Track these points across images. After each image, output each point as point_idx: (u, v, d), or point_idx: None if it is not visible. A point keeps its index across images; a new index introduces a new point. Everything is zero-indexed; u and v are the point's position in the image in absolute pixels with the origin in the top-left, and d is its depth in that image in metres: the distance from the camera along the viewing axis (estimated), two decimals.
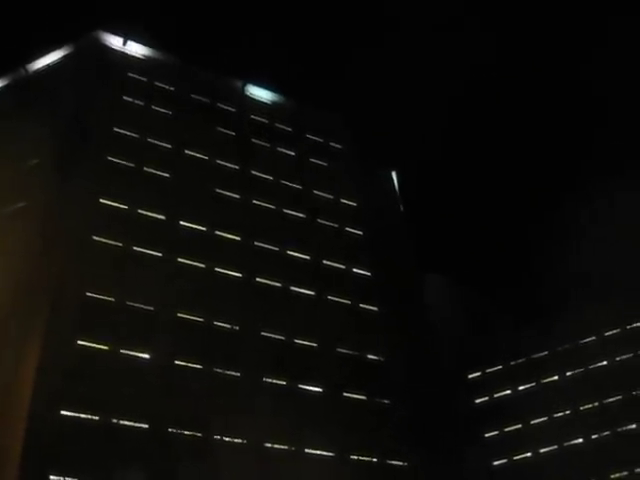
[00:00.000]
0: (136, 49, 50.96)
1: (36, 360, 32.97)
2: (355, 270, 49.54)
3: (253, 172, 50.04)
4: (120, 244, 39.57)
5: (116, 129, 45.04)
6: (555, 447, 64.31)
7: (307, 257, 47.67)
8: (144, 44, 51.44)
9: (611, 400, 63.29)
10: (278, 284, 44.70)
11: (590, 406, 64.17)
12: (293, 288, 45.20)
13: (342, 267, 49.00)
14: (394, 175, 60.69)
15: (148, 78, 49.90)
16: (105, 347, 35.24)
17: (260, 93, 55.86)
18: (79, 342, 34.61)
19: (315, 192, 52.41)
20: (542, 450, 64.82)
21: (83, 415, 32.63)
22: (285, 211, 49.39)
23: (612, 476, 60.33)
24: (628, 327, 65.56)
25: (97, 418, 32.93)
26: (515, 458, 65.93)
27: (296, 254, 47.31)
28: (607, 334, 66.29)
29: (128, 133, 45.41)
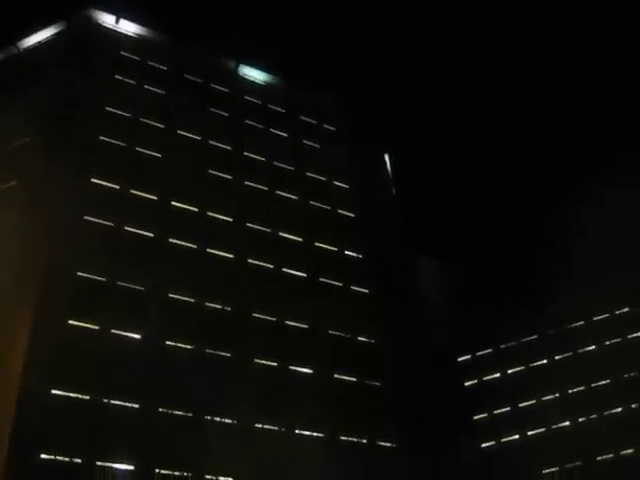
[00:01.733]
0: (129, 27, 50.46)
1: (26, 340, 32.99)
2: (347, 252, 49.61)
3: (245, 153, 49.86)
4: (111, 224, 39.45)
5: (108, 108, 44.70)
6: (543, 429, 64.91)
7: (299, 239, 47.67)
8: (137, 23, 50.90)
9: (598, 384, 63.88)
10: (270, 265, 44.72)
11: (578, 389, 64.75)
12: (285, 270, 45.24)
13: (334, 249, 49.04)
14: (387, 158, 60.58)
15: (140, 57, 49.48)
16: (96, 327, 35.27)
17: (253, 74, 55.53)
18: (70, 322, 34.64)
19: (308, 174, 52.31)
20: (530, 432, 65.42)
21: (74, 394, 32.72)
22: (277, 192, 49.30)
23: (598, 458, 61.01)
24: (617, 312, 66.00)
25: (88, 397, 33.03)
26: (503, 440, 66.52)
27: (288, 236, 47.31)
28: (596, 319, 66.75)
29: (120, 112, 45.10)
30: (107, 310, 36.12)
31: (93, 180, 40.64)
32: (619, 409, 62.16)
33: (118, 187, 41.36)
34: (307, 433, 39.17)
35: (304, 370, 41.53)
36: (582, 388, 64.67)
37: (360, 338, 45.57)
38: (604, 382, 63.77)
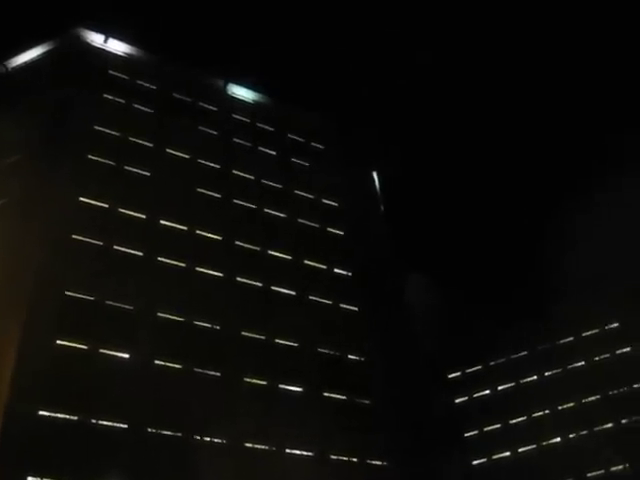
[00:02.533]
0: (117, 47, 50.65)
1: (14, 360, 32.66)
2: (336, 270, 49.64)
3: (234, 171, 49.95)
4: (100, 243, 39.30)
5: (97, 127, 44.72)
6: (534, 446, 64.86)
7: (288, 257, 47.67)
8: (126, 42, 51.12)
9: (588, 400, 63.97)
10: (259, 284, 44.67)
11: (568, 406, 64.81)
12: (274, 288, 45.19)
13: (323, 267, 49.07)
14: (375, 175, 60.84)
15: (129, 76, 49.62)
16: (84, 346, 34.99)
17: (242, 92, 55.79)
18: (58, 342, 34.36)
19: (296, 192, 52.43)
20: (521, 449, 65.34)
21: (61, 415, 32.41)
22: (266, 211, 49.36)
23: (589, 474, 60.96)
24: (606, 328, 66.28)
25: (76, 418, 32.72)
26: (494, 457, 66.39)
27: (277, 254, 47.30)
28: (585, 335, 66.98)
29: (109, 131, 45.12)
30: (96, 329, 35.88)
31: (82, 199, 40.51)
32: (609, 425, 62.22)
33: (107, 206, 41.27)
34: (297, 452, 38.94)
35: (294, 388, 41.36)
36: (572, 404, 64.73)
37: (350, 356, 45.48)
38: (594, 398, 63.87)
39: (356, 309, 48.11)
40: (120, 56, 50.41)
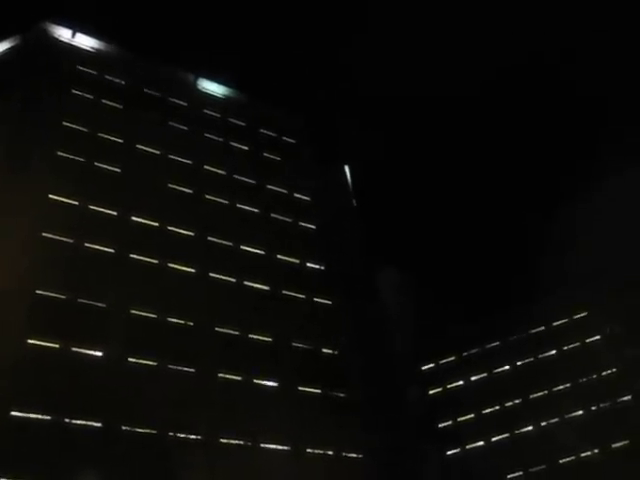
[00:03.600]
0: (86, 41, 50.01)
1: None
2: (309, 264, 49.73)
3: (206, 167, 49.73)
4: (71, 240, 38.92)
5: (65, 123, 44.21)
6: (506, 435, 65.67)
7: (261, 252, 47.65)
8: (94, 36, 50.51)
9: (559, 388, 64.93)
10: (232, 279, 44.59)
11: (539, 395, 65.72)
12: (247, 283, 45.16)
13: (296, 261, 49.13)
14: (347, 169, 61.00)
15: (98, 71, 49.04)
16: (56, 345, 34.67)
17: (213, 87, 55.47)
18: (29, 341, 34.00)
19: (268, 187, 52.37)
20: (494, 439, 66.12)
21: (33, 415, 32.11)
22: (238, 206, 49.24)
23: (560, 461, 61.92)
24: (575, 317, 67.26)
25: (49, 418, 32.45)
26: (468, 447, 67.10)
27: (250, 249, 47.25)
28: (555, 324, 67.94)
29: (78, 127, 44.62)
30: (67, 328, 35.55)
31: (52, 196, 40.06)
32: (580, 412, 63.23)
33: (77, 203, 40.85)
34: (273, 447, 39.04)
35: (269, 383, 41.43)
36: (543, 393, 65.63)
37: (324, 350, 45.64)
38: (565, 386, 64.83)
39: (330, 303, 48.26)
40: (88, 51, 49.81)
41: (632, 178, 66.70)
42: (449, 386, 71.14)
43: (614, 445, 60.17)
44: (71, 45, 49.23)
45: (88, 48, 49.93)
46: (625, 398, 61.87)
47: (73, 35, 49.48)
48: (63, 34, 49.18)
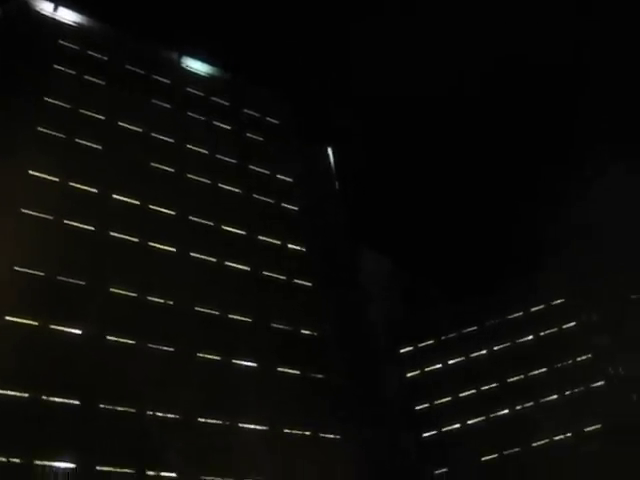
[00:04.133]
0: (68, 15, 49.29)
1: None
2: (290, 246, 49.76)
3: (188, 146, 49.43)
4: (50, 217, 38.61)
5: (46, 99, 43.68)
6: (482, 418, 66.43)
7: (242, 232, 47.58)
8: (76, 10, 49.78)
9: (535, 373, 65.74)
10: (213, 259, 44.54)
11: (515, 379, 66.50)
12: (228, 263, 45.12)
13: (277, 242, 49.14)
14: (330, 151, 60.90)
15: (80, 46, 48.40)
16: (34, 322, 34.52)
17: (196, 65, 55.03)
18: (7, 318, 33.80)
19: (251, 167, 52.19)
20: (470, 421, 66.86)
21: (12, 393, 31.99)
22: (220, 186, 49.06)
23: (534, 444, 62.83)
24: (552, 303, 67.95)
25: (26, 395, 32.34)
26: (444, 429, 67.79)
27: (231, 229, 47.16)
28: (532, 310, 68.61)
29: (59, 103, 44.10)
30: (46, 305, 35.42)
31: (31, 172, 39.67)
32: (554, 396, 64.11)
33: (57, 179, 40.49)
34: (251, 427, 39.25)
35: (248, 364, 41.56)
36: (519, 377, 66.41)
37: (304, 331, 45.84)
38: (540, 371, 65.63)
39: (310, 285, 48.40)
40: (70, 25, 49.09)
41: (613, 170, 67.24)
42: (427, 369, 71.70)
43: (587, 429, 61.17)
44: (53, 19, 48.51)
45: (70, 22, 49.22)
46: (599, 383, 62.83)
47: (55, 8, 48.74)
48: (45, 7, 48.44)
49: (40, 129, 41.87)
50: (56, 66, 45.97)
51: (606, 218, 64.51)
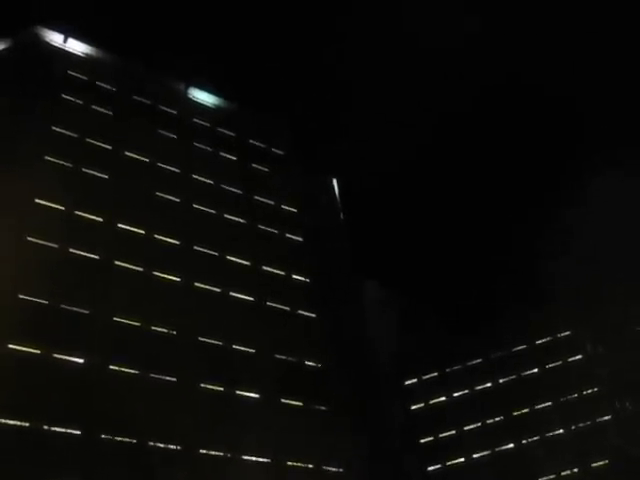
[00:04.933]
0: (77, 47, 49.92)
1: None
2: (294, 276, 49.70)
3: (194, 176, 49.69)
4: (55, 246, 38.70)
5: (54, 128, 44.05)
6: (488, 452, 65.73)
7: (246, 262, 47.59)
8: (85, 42, 50.43)
9: (540, 406, 65.14)
10: (217, 289, 44.48)
11: (521, 412, 65.89)
12: (232, 293, 45.05)
13: (281, 273, 49.09)
14: (335, 182, 61.15)
15: (89, 77, 48.94)
16: (37, 351, 34.38)
17: (203, 96, 55.52)
18: (10, 346, 33.68)
19: (256, 197, 52.39)
20: (475, 455, 66.13)
21: (12, 422, 31.76)
22: (225, 216, 49.19)
23: (540, 479, 62.05)
24: (558, 335, 67.58)
25: (27, 424, 32.10)
26: (449, 463, 67.05)
27: (235, 259, 47.18)
28: (538, 342, 68.22)
29: (67, 132, 44.47)
30: (49, 334, 35.29)
31: (38, 200, 39.84)
32: (560, 431, 63.45)
33: (63, 208, 40.66)
34: (254, 459, 38.85)
35: (251, 395, 41.26)
36: (525, 411, 65.82)
37: (307, 362, 45.57)
38: (546, 405, 65.06)
39: (314, 315, 48.22)
40: (80, 56, 49.70)
41: (615, 191, 67.24)
42: (431, 402, 71.16)
43: (593, 464, 60.40)
44: (63, 50, 49.11)
45: (79, 53, 49.84)
46: (605, 418, 62.17)
47: (65, 40, 49.38)
48: (55, 38, 49.07)
49: (47, 158, 42.15)
50: (65, 96, 46.43)
51: (608, 244, 64.40)
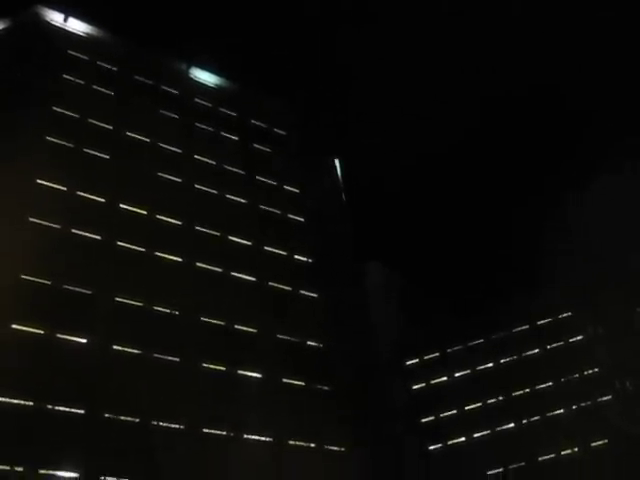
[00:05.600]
0: (78, 26, 49.65)
1: None
2: (296, 256, 49.75)
3: (195, 156, 49.60)
4: (57, 226, 38.74)
5: (55, 108, 43.94)
6: (488, 432, 66.08)
7: (248, 243, 47.62)
8: (86, 21, 50.14)
9: (541, 387, 65.42)
10: (218, 269, 44.55)
11: (522, 392, 66.18)
12: (234, 274, 45.13)
13: (283, 253, 49.14)
14: (337, 163, 60.98)
15: (90, 57, 48.73)
16: (41, 331, 34.55)
17: (205, 76, 55.27)
18: (13, 326, 33.85)
19: (258, 178, 52.31)
20: (476, 435, 66.50)
21: (16, 401, 31.98)
22: (227, 196, 49.16)
23: (540, 459, 62.44)
24: (559, 317, 67.68)
25: (32, 404, 32.33)
26: (450, 443, 67.46)
27: (237, 239, 47.20)
28: (539, 323, 68.37)
29: (68, 113, 44.36)
30: (52, 314, 35.44)
31: (39, 181, 39.85)
32: (561, 411, 63.75)
33: (65, 189, 40.66)
34: (255, 438, 39.11)
35: (253, 374, 41.47)
36: (526, 391, 66.10)
37: (308, 342, 45.74)
38: (546, 385, 65.32)
39: (315, 295, 48.33)
40: (80, 36, 49.45)
41: (619, 181, 67.11)
42: (432, 382, 71.46)
43: (593, 444, 60.76)
44: (63, 29, 48.87)
45: (80, 33, 49.57)
46: (605, 398, 62.43)
47: (65, 19, 49.12)
48: (55, 18, 48.81)
49: (49, 138, 42.09)
50: (65, 76, 46.27)
51: (609, 228, 64.33)
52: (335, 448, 41.90)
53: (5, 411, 31.44)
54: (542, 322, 68.19)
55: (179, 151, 48.80)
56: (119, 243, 40.81)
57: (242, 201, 49.77)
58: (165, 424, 36.12)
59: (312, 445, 41.10)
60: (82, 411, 33.64)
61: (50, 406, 32.84)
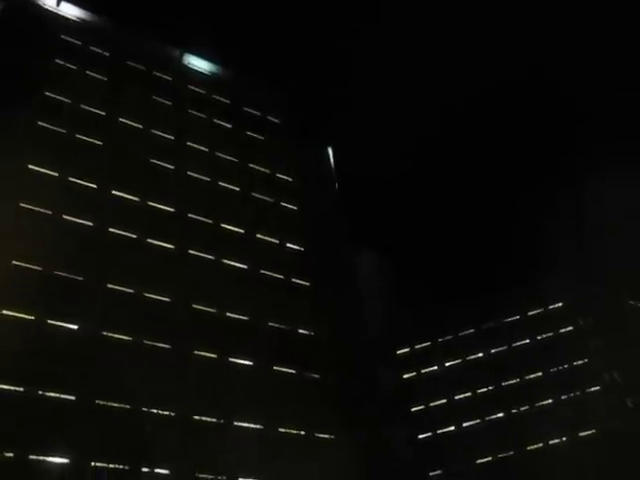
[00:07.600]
0: (70, 10, 49.33)
1: None
2: (288, 244, 49.76)
3: (188, 143, 49.43)
4: (49, 212, 38.58)
5: (47, 93, 43.67)
6: (478, 421, 66.57)
7: (241, 230, 47.57)
8: (79, 6, 49.82)
9: (531, 377, 65.90)
10: (211, 257, 44.51)
11: (512, 382, 66.66)
12: (226, 261, 45.11)
13: (275, 241, 49.13)
14: (330, 151, 60.89)
15: (82, 42, 48.45)
16: (31, 317, 34.48)
17: (198, 63, 55.06)
18: (4, 312, 33.76)
19: (251, 166, 52.21)
20: (465, 424, 66.99)
21: (6, 387, 31.94)
22: (220, 184, 49.05)
23: (529, 447, 62.98)
24: (550, 307, 68.13)
25: (22, 389, 32.30)
26: (439, 432, 67.93)
27: (230, 227, 47.15)
28: (530, 314, 68.80)
29: (60, 98, 44.12)
30: (43, 300, 35.34)
31: (31, 167, 39.65)
32: (549, 400, 64.27)
33: (57, 174, 40.47)
34: (246, 425, 39.22)
35: (244, 362, 41.53)
36: (515, 381, 66.56)
37: (300, 330, 45.82)
38: (536, 375, 65.80)
39: (307, 284, 48.38)
40: (73, 21, 49.14)
41: (612, 176, 67.37)
42: (423, 371, 71.86)
43: (582, 434, 61.31)
44: (55, 13, 48.53)
45: (73, 17, 49.25)
46: (594, 388, 62.95)
47: (57, 3, 48.77)
48: (47, 2, 48.46)
49: (40, 124, 41.86)
50: (58, 61, 46.00)
51: (602, 221, 64.64)
52: (325, 436, 42.05)
53: None
54: (532, 313, 68.66)
55: (172, 138, 48.62)
56: (111, 229, 40.67)
57: (235, 189, 49.69)
58: (155, 411, 36.13)
59: (302, 432, 41.23)
60: (73, 397, 33.60)
61: (41, 392, 32.78)
